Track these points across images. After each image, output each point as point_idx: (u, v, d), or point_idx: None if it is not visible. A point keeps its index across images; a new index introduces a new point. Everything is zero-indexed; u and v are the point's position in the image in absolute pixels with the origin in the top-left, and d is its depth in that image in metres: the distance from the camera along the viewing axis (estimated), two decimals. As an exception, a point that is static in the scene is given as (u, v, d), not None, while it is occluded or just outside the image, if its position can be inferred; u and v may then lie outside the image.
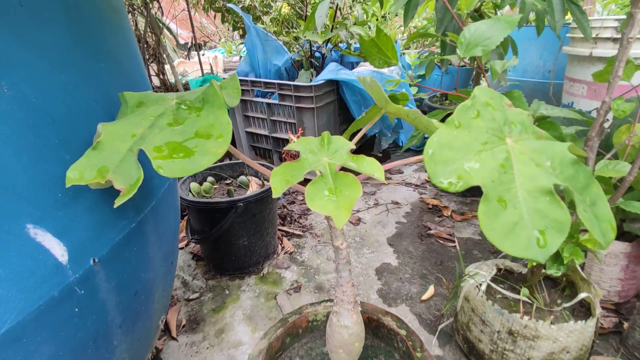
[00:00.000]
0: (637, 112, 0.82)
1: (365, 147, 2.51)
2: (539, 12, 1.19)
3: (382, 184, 2.06)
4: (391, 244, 1.57)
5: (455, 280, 1.31)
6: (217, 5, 2.85)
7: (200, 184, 1.44)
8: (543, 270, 0.93)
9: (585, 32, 1.10)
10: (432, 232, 1.62)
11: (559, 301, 0.91)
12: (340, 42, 2.13)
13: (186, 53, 4.85)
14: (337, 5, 1.99)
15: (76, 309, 0.51)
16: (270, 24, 2.36)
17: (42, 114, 0.48)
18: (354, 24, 2.09)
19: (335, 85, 1.94)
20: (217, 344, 1.12)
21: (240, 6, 2.60)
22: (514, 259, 1.09)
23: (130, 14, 2.66)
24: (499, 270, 1.02)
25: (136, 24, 2.70)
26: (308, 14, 2.21)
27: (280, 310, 1.23)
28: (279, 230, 1.65)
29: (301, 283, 1.35)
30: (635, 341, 0.98)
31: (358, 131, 0.71)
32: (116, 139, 0.45)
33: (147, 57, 2.68)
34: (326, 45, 2.12)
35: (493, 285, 0.94)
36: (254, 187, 1.43)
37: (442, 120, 0.63)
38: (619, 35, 1.07)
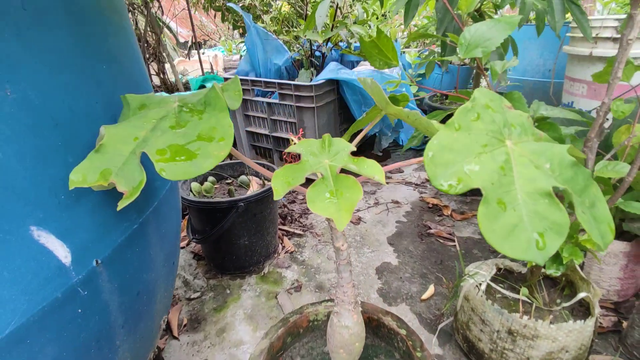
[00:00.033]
0: (636, 112, 0.82)
1: (366, 146, 2.51)
2: (539, 11, 1.19)
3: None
4: (391, 243, 1.57)
5: (455, 279, 1.31)
6: (217, 4, 2.84)
7: (201, 183, 1.44)
8: (542, 270, 0.93)
9: (585, 32, 1.10)
10: (432, 231, 1.62)
11: (558, 301, 0.91)
12: (341, 41, 2.13)
13: (186, 52, 4.85)
14: (337, 4, 1.99)
15: (79, 310, 0.51)
16: (270, 23, 2.36)
17: (45, 116, 0.48)
18: (354, 22, 2.09)
19: (335, 84, 1.94)
20: (219, 343, 1.12)
21: (240, 5, 2.60)
22: (514, 259, 1.09)
23: (130, 13, 2.66)
24: (499, 269, 1.02)
25: (136, 23, 2.70)
26: (308, 13, 2.21)
27: (281, 310, 1.24)
28: (280, 229, 1.66)
29: (302, 282, 1.36)
30: (634, 340, 0.98)
31: (359, 132, 0.71)
32: (119, 142, 0.46)
33: (147, 56, 2.68)
34: (326, 44, 2.12)
35: (493, 284, 0.95)
36: (254, 187, 1.44)
37: (442, 121, 0.63)
38: (619, 35, 1.08)
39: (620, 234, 1.06)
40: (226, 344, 1.12)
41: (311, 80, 2.00)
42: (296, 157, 1.86)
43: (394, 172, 2.24)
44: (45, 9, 0.49)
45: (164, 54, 2.87)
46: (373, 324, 0.84)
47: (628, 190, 0.96)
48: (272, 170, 1.45)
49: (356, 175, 0.48)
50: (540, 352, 0.84)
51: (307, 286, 1.34)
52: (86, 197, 0.52)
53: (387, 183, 2.10)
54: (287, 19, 2.39)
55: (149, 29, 2.73)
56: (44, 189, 0.47)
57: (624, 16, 1.45)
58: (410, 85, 0.93)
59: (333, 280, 1.37)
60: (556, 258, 0.78)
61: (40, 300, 0.46)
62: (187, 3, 2.78)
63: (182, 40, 5.69)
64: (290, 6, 2.40)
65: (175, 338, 1.15)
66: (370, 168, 0.48)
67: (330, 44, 2.14)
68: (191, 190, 1.39)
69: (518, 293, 0.92)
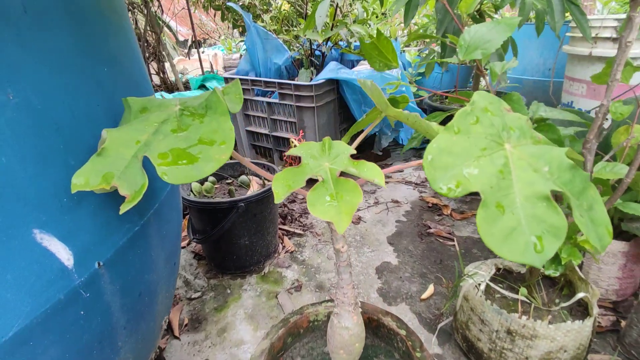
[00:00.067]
0: (635, 113, 0.83)
1: (366, 145, 2.51)
2: (538, 11, 1.20)
3: (382, 183, 2.07)
4: (391, 242, 1.58)
5: (454, 279, 1.32)
6: (217, 3, 2.84)
7: (202, 183, 1.45)
8: (541, 270, 0.94)
9: (584, 33, 1.10)
10: (431, 230, 1.63)
11: (557, 300, 0.92)
12: (340, 40, 2.13)
13: (186, 50, 4.84)
14: (337, 3, 1.99)
15: (82, 312, 0.52)
16: (270, 22, 2.36)
17: (47, 119, 0.48)
18: (354, 21, 2.09)
19: (335, 84, 1.94)
20: (219, 343, 1.13)
21: (240, 4, 2.59)
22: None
23: (130, 12, 2.66)
24: (498, 269, 1.03)
25: (136, 22, 2.70)
26: (308, 11, 2.21)
27: (281, 309, 1.24)
28: (280, 229, 1.66)
29: (302, 282, 1.37)
30: (632, 339, 0.99)
31: (359, 133, 0.72)
32: (121, 145, 0.46)
33: (147, 55, 2.68)
34: (326, 43, 2.12)
35: (492, 285, 0.95)
36: (254, 187, 1.44)
37: (442, 123, 0.63)
38: (619, 36, 1.08)
39: (619, 234, 1.06)
40: (227, 344, 1.13)
41: (311, 79, 2.00)
42: (296, 159, 1.87)
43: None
44: (45, 11, 0.49)
45: (163, 53, 2.87)
46: (373, 325, 0.85)
47: (627, 191, 0.97)
48: (272, 170, 1.45)
49: (355, 177, 0.49)
50: (539, 351, 0.84)
51: (307, 286, 1.35)
52: (88, 199, 0.52)
53: (387, 182, 2.10)
54: (287, 18, 2.39)
55: (148, 28, 2.73)
56: (46, 192, 0.47)
57: (623, 16, 1.45)
58: (410, 84, 0.93)
59: (333, 279, 1.38)
60: (555, 258, 0.78)
61: (43, 303, 0.46)
62: (187, 2, 2.78)
63: (181, 38, 5.69)
64: (290, 5, 2.40)
65: (176, 338, 1.15)
66: (370, 171, 0.48)
67: (330, 43, 2.14)
68: (192, 191, 1.40)
69: (517, 293, 0.92)
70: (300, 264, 1.47)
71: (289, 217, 1.77)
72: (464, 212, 1.75)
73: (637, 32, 0.65)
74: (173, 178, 0.42)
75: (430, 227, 1.65)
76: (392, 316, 0.84)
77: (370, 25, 2.17)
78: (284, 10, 2.40)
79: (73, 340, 0.51)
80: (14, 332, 0.43)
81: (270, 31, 2.17)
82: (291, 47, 2.19)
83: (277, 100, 1.94)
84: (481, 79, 1.85)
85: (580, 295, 0.87)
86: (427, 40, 3.14)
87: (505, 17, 0.77)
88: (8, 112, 0.44)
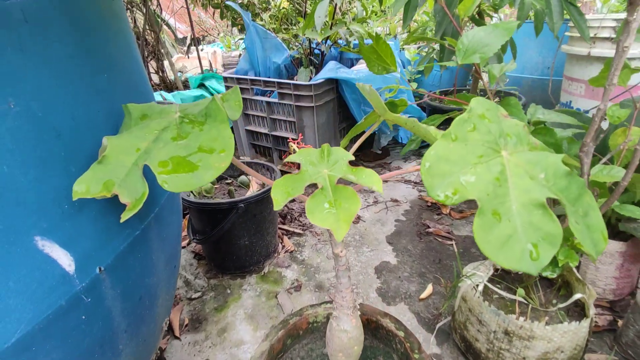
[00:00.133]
0: (632, 115, 0.83)
1: (365, 144, 2.51)
2: (537, 11, 1.20)
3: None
4: (390, 242, 1.59)
5: (453, 278, 1.32)
6: (215, 2, 2.83)
7: (201, 184, 1.45)
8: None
9: (582, 33, 1.10)
10: (430, 230, 1.63)
11: (554, 301, 0.93)
12: (340, 38, 2.13)
13: (185, 48, 4.83)
14: (336, 2, 1.98)
15: (83, 317, 0.52)
16: (269, 20, 2.35)
17: (48, 127, 0.49)
18: (353, 19, 2.09)
19: (334, 83, 1.94)
20: (220, 343, 1.14)
21: (239, 2, 2.59)
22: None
23: (128, 11, 2.65)
24: (496, 270, 1.04)
25: (135, 21, 2.69)
26: (307, 10, 2.20)
27: (281, 309, 1.25)
28: (280, 228, 1.67)
29: (302, 282, 1.37)
30: (629, 339, 1.00)
31: (358, 136, 0.72)
32: (121, 153, 0.47)
33: (146, 54, 2.67)
34: (325, 42, 2.12)
35: (490, 285, 0.96)
36: (254, 187, 1.45)
37: (439, 126, 0.64)
38: (617, 37, 1.08)
39: (617, 234, 1.07)
40: (227, 344, 1.14)
41: (310, 78, 2.00)
42: (296, 164, 1.87)
43: (392, 169, 2.25)
44: (46, 19, 0.49)
45: (162, 52, 2.87)
46: (372, 326, 0.85)
47: (624, 191, 0.97)
48: (272, 170, 1.46)
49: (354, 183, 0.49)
50: (536, 352, 0.85)
51: (306, 285, 1.36)
52: (89, 205, 0.53)
53: (386, 181, 2.10)
54: (286, 16, 2.38)
55: (147, 27, 2.73)
56: (48, 199, 0.48)
57: (622, 15, 1.45)
58: (409, 83, 0.94)
59: (332, 279, 1.39)
60: (552, 260, 0.79)
61: (45, 309, 0.47)
62: (186, 0, 2.77)
63: (180, 36, 5.67)
64: (289, 3, 2.39)
65: (176, 338, 1.16)
66: (369, 178, 0.49)
67: (329, 42, 2.14)
68: (191, 191, 1.40)
69: (515, 294, 0.93)
70: (299, 264, 1.47)
71: (289, 217, 1.78)
72: (463, 211, 1.76)
73: (634, 37, 0.66)
74: (173, 186, 0.43)
75: (429, 227, 1.66)
76: (390, 317, 0.84)
77: (369, 24, 2.16)
78: (283, 8, 2.40)
79: (74, 345, 0.52)
80: (16, 339, 0.44)
81: (269, 30, 2.17)
82: (290, 46, 2.19)
83: (276, 100, 1.94)
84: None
85: (577, 296, 0.88)
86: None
87: (503, 21, 0.77)
88: (9, 120, 0.44)
